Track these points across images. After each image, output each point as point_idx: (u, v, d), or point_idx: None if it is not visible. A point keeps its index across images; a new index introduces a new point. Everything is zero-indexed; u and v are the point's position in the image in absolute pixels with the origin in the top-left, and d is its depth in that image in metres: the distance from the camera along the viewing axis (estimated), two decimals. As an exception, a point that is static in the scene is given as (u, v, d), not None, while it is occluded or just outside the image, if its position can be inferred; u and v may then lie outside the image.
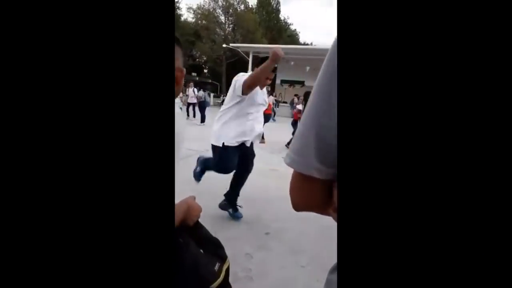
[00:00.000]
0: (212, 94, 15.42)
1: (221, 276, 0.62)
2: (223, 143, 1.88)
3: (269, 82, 1.99)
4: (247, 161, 2.07)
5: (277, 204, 2.50)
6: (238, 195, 2.19)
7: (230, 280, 1.48)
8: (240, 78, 1.80)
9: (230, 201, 2.16)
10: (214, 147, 1.96)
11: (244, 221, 2.13)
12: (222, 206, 2.18)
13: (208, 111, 8.23)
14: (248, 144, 1.97)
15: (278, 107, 14.43)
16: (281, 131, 5.87)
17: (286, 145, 5.48)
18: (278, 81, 17.60)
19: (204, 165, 2.19)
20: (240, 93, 1.77)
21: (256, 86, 1.82)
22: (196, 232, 0.70)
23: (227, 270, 0.65)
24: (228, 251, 1.82)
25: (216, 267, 0.62)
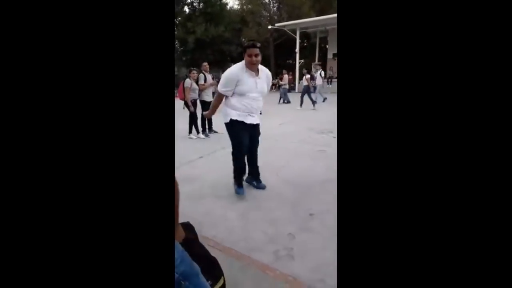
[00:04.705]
0: (261, 79, 15.27)
1: None
2: (230, 119, 2.16)
3: (256, 62, 2.00)
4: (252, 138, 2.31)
5: (323, 186, 2.44)
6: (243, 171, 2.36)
7: (271, 258, 1.54)
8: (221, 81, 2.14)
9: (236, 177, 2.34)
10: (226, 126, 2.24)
11: (288, 202, 2.16)
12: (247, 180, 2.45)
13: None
14: (247, 121, 2.18)
15: (330, 84, 13.53)
16: (331, 109, 5.56)
17: None
18: (330, 55, 16.44)
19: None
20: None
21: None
22: (191, 247, 0.70)
23: None
24: (270, 231, 1.87)
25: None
